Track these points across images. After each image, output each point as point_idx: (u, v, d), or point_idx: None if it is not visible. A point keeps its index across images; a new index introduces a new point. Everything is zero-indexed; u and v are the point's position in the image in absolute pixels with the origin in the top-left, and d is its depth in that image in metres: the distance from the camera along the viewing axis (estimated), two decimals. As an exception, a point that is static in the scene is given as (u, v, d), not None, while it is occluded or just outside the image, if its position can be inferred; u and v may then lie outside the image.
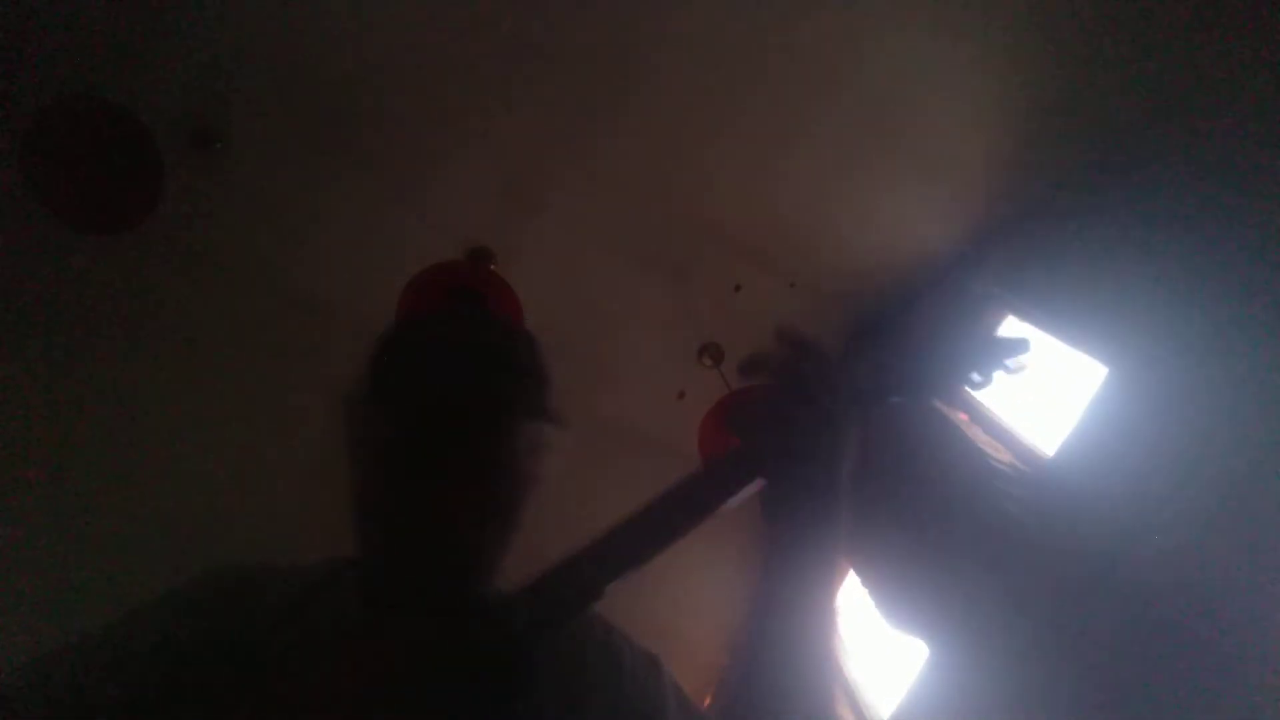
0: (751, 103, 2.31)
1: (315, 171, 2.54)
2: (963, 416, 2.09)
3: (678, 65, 2.25)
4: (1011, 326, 2.34)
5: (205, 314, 2.65)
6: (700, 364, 2.81)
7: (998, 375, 0.79)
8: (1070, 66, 2.01)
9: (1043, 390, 2.06)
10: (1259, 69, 1.65)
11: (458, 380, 0.72)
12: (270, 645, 0.65)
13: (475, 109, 2.42)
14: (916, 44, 2.08)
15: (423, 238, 2.64)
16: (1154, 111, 1.93)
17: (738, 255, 2.72)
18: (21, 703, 0.62)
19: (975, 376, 0.78)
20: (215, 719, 0.60)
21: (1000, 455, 1.99)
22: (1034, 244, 2.25)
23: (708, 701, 2.70)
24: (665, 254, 2.72)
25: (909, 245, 2.61)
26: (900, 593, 2.08)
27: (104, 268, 2.52)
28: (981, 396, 2.12)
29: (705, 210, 2.61)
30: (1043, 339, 2.15)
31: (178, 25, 2.23)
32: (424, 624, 0.66)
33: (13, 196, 2.22)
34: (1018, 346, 0.78)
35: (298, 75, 2.36)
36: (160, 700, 0.62)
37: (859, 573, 2.32)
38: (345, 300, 2.55)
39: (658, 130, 2.42)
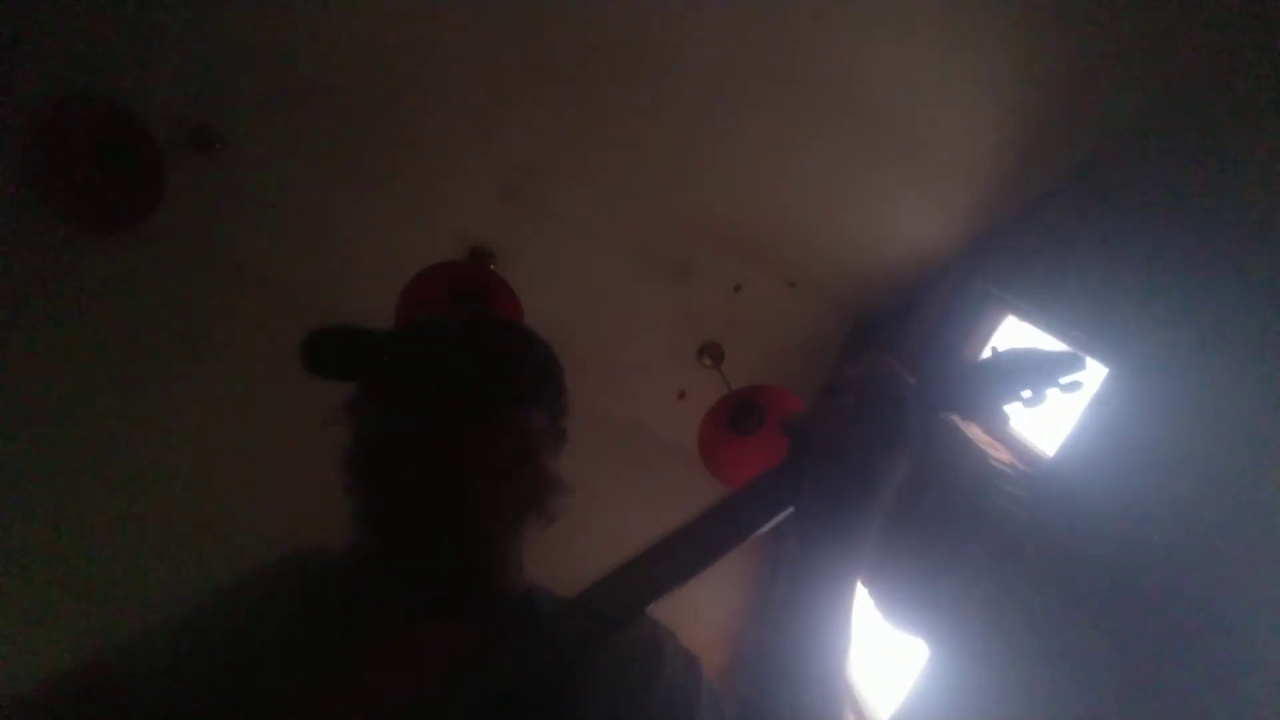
0: (751, 104, 2.31)
1: (315, 171, 2.54)
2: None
3: (679, 67, 2.25)
4: (1011, 326, 2.34)
5: (205, 314, 2.65)
6: (700, 364, 2.81)
7: (1051, 393, 0.75)
8: (1070, 66, 2.01)
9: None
10: (1260, 68, 1.65)
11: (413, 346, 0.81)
12: (324, 638, 0.66)
13: (476, 109, 2.42)
14: (916, 45, 2.08)
15: (423, 238, 2.64)
16: (1154, 111, 1.93)
17: (738, 255, 2.72)
18: (124, 676, 0.65)
19: (1026, 394, 0.75)
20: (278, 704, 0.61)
21: (1000, 455, 1.99)
22: (1034, 244, 2.25)
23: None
24: (665, 254, 2.72)
25: (909, 245, 2.61)
26: (900, 592, 2.08)
27: (104, 268, 2.52)
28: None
29: (705, 210, 2.61)
30: (1043, 339, 2.15)
31: (178, 25, 2.23)
32: (469, 631, 0.67)
33: (13, 196, 2.22)
34: (1073, 363, 0.75)
35: (298, 75, 2.36)
36: (242, 678, 0.64)
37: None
38: (346, 300, 2.55)
39: (658, 130, 2.42)
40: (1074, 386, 0.75)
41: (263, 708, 0.61)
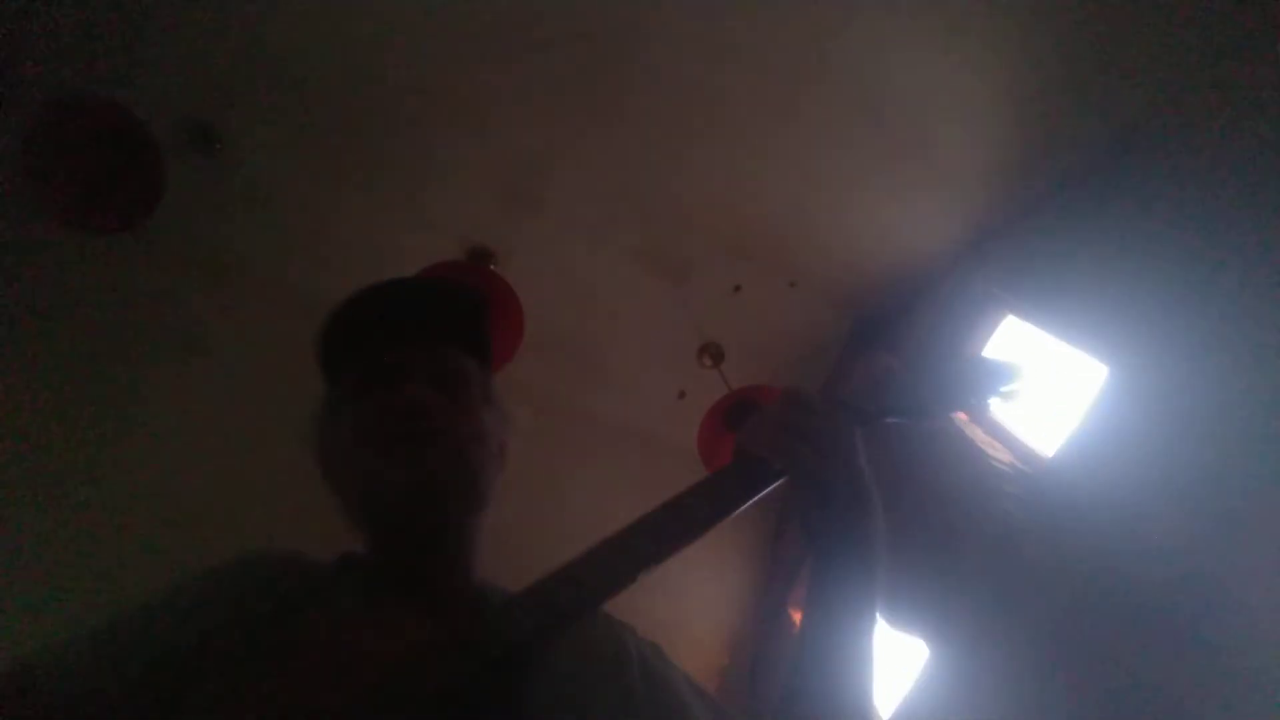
0: (752, 104, 2.31)
1: (315, 171, 2.54)
2: (961, 415, 2.09)
3: (679, 66, 2.25)
4: (1011, 326, 2.34)
5: (205, 314, 2.65)
6: (700, 364, 2.81)
7: (993, 402, 0.79)
8: (1070, 67, 2.01)
9: (1043, 390, 2.06)
10: (1259, 68, 1.65)
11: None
12: (276, 635, 0.65)
13: (475, 109, 2.42)
14: (917, 46, 2.08)
15: (423, 238, 2.64)
16: (1154, 111, 1.93)
17: (738, 255, 2.72)
18: (54, 679, 0.63)
19: (971, 400, 0.79)
20: (222, 705, 0.60)
21: (1000, 455, 1.99)
22: (1034, 244, 2.25)
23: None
24: (665, 254, 2.72)
25: (909, 245, 2.61)
26: (900, 593, 2.08)
27: (104, 268, 2.52)
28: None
29: (705, 210, 2.61)
30: (1043, 339, 2.15)
31: (178, 25, 2.23)
32: (426, 622, 0.66)
33: (13, 196, 2.22)
34: (1009, 374, 0.79)
35: (298, 75, 2.36)
36: (183, 680, 0.62)
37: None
38: (345, 300, 2.54)
39: (658, 130, 2.42)
40: (1013, 395, 0.78)
41: (198, 706, 0.60)
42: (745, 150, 2.43)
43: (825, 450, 0.68)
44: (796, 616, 2.78)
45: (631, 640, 0.74)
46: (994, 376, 0.79)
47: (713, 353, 2.80)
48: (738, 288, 2.76)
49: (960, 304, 2.45)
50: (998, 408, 0.81)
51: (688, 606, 2.80)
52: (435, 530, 0.75)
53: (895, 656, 2.26)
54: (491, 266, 2.64)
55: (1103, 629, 1.49)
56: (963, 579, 1.87)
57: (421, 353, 0.81)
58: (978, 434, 2.09)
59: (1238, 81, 1.71)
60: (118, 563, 2.40)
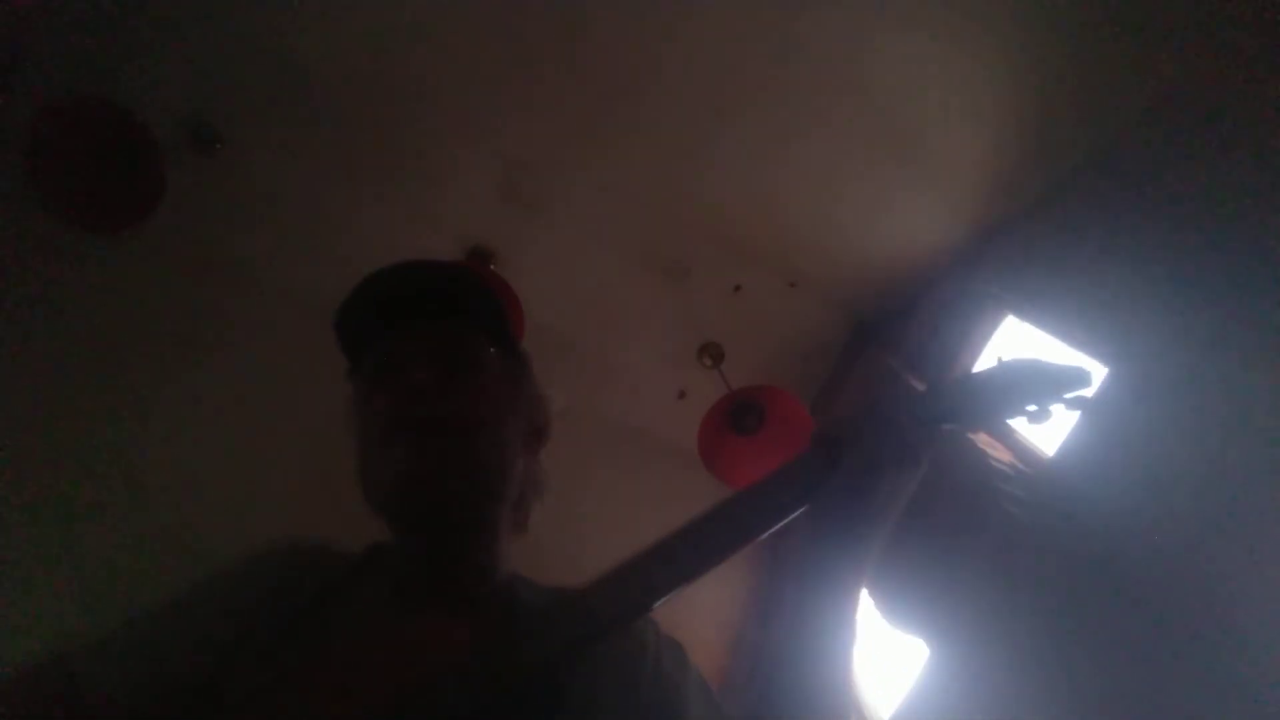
0: (752, 103, 2.31)
1: (315, 172, 2.54)
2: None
3: (679, 66, 2.25)
4: (1011, 326, 2.34)
5: (205, 314, 2.65)
6: (700, 364, 2.81)
7: (1056, 409, 0.76)
8: (1070, 67, 2.01)
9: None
10: (1259, 68, 1.65)
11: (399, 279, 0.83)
12: (308, 634, 0.64)
13: (476, 109, 2.42)
14: (917, 45, 2.08)
15: (423, 237, 2.64)
16: (1154, 111, 1.93)
17: (738, 255, 2.72)
18: (94, 672, 0.62)
19: (1031, 408, 0.76)
20: (251, 699, 0.59)
21: (1000, 455, 1.99)
22: (1034, 244, 2.25)
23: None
24: (665, 254, 2.72)
25: (909, 245, 2.61)
26: (900, 592, 2.08)
27: (104, 268, 2.52)
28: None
29: (705, 210, 2.61)
30: (1043, 339, 2.15)
31: (178, 25, 2.23)
32: (455, 623, 0.66)
33: (13, 196, 2.22)
34: (1079, 379, 0.76)
35: (298, 76, 2.36)
36: (221, 676, 0.61)
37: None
38: (345, 300, 2.54)
39: (658, 130, 2.42)
40: (1079, 402, 0.75)
41: (238, 703, 0.59)
42: (746, 150, 2.43)
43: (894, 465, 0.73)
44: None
45: (652, 637, 0.73)
46: (1060, 383, 0.76)
47: (713, 353, 2.80)
48: (738, 288, 2.76)
49: (960, 304, 2.45)
50: (1060, 415, 0.78)
51: (690, 607, 2.80)
52: (446, 522, 0.72)
53: (895, 656, 2.26)
54: (491, 266, 2.64)
55: (1103, 629, 1.49)
56: (963, 579, 1.87)
57: (427, 334, 0.79)
58: (978, 433, 2.09)
59: (1237, 82, 1.71)
60: (116, 560, 2.40)
